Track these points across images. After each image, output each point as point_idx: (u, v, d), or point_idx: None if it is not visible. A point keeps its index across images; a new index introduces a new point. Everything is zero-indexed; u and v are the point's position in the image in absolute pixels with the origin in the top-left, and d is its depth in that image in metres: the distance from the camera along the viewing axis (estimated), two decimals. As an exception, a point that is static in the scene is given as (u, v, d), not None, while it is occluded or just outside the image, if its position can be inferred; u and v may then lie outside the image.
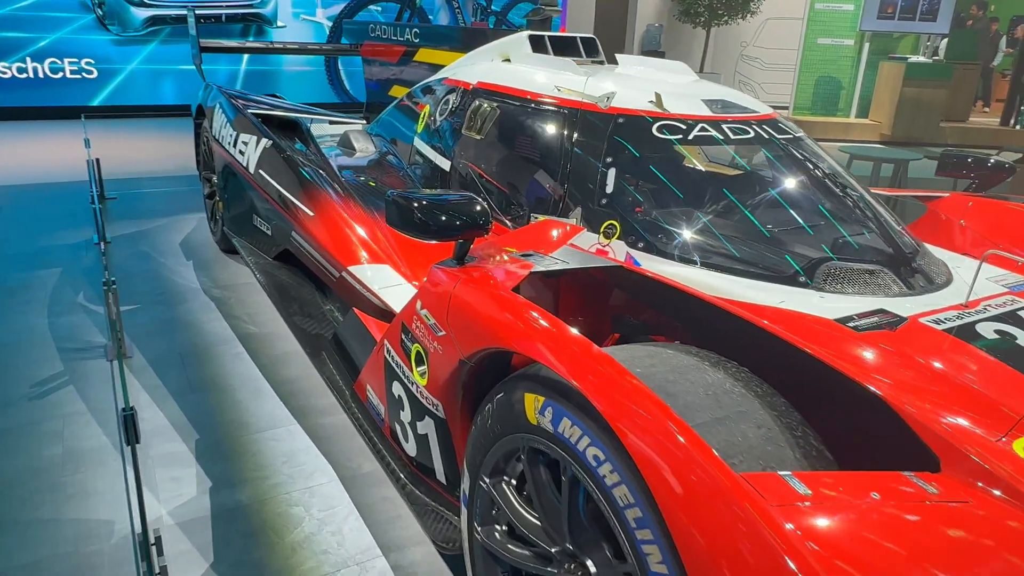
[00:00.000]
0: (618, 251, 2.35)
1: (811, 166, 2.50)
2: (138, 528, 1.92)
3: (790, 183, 2.43)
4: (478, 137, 3.09)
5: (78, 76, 9.49)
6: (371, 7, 10.62)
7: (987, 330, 1.84)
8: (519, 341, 1.48)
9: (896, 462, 1.42)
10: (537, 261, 1.87)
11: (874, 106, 11.58)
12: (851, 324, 1.84)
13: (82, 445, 2.74)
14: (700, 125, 2.50)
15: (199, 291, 4.22)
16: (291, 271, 3.76)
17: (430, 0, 11.05)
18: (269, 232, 3.78)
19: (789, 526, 1.01)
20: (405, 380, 2.06)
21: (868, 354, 1.65)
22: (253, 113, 4.10)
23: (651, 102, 2.59)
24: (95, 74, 9.57)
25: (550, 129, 2.79)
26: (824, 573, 0.95)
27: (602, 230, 2.42)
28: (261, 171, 3.64)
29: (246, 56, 10.11)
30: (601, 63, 3.48)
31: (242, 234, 4.21)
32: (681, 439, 1.15)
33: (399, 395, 2.13)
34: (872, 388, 1.41)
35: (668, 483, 1.13)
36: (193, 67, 5.54)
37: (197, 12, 5.25)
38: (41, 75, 9.31)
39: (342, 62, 10.62)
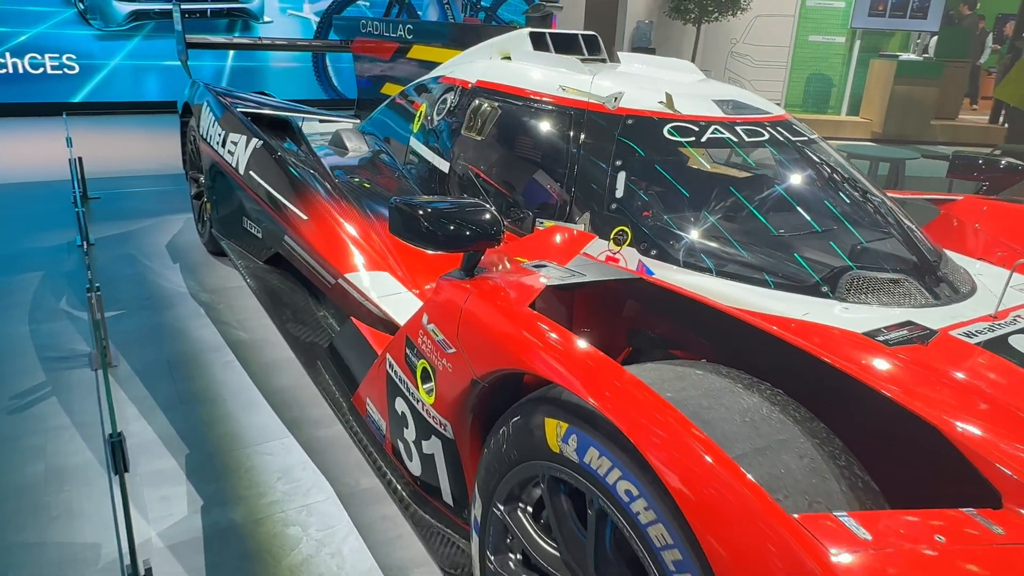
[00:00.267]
0: (629, 259, 2.25)
1: (828, 170, 2.41)
2: (127, 559, 1.80)
3: (808, 188, 2.34)
4: (478, 138, 2.98)
5: (59, 72, 9.28)
6: (359, 2, 10.46)
7: (1021, 343, 1.76)
8: (541, 364, 1.37)
9: (944, 490, 1.34)
10: (551, 273, 1.77)
11: (865, 104, 11.56)
12: (880, 338, 1.75)
13: (66, 462, 2.61)
14: (713, 127, 2.41)
15: (187, 296, 4.09)
16: (283, 276, 3.63)
17: (419, -5, 10.92)
18: (260, 235, 3.66)
19: (854, 578, 0.91)
20: (409, 397, 1.95)
21: (905, 372, 1.56)
22: (242, 112, 3.97)
23: (661, 103, 2.50)
24: (77, 70, 9.37)
25: (555, 130, 2.69)
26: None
27: (612, 236, 2.32)
28: (251, 172, 3.51)
29: (232, 52, 9.92)
30: (603, 61, 3.38)
31: (231, 237, 4.08)
32: (728, 477, 1.05)
33: (402, 412, 2.03)
34: (924, 416, 1.32)
35: (714, 526, 1.03)
36: (177, 63, 5.38)
37: (182, 7, 5.10)
38: (21, 71, 9.10)
39: (329, 58, 10.47)
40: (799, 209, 2.26)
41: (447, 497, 1.95)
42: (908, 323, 1.85)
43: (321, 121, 4.98)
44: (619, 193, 2.36)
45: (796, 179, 2.36)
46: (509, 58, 3.37)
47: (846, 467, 1.27)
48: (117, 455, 1.56)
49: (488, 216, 1.73)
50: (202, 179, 4.53)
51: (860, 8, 11.04)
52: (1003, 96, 9.97)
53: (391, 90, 4.92)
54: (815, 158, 2.45)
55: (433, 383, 1.80)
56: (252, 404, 3.05)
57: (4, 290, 4.03)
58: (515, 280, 1.70)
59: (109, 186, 6.17)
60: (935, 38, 12.04)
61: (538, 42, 3.28)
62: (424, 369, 1.84)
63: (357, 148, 4.19)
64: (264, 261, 3.75)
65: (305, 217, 3.02)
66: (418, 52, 4.59)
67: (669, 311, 1.80)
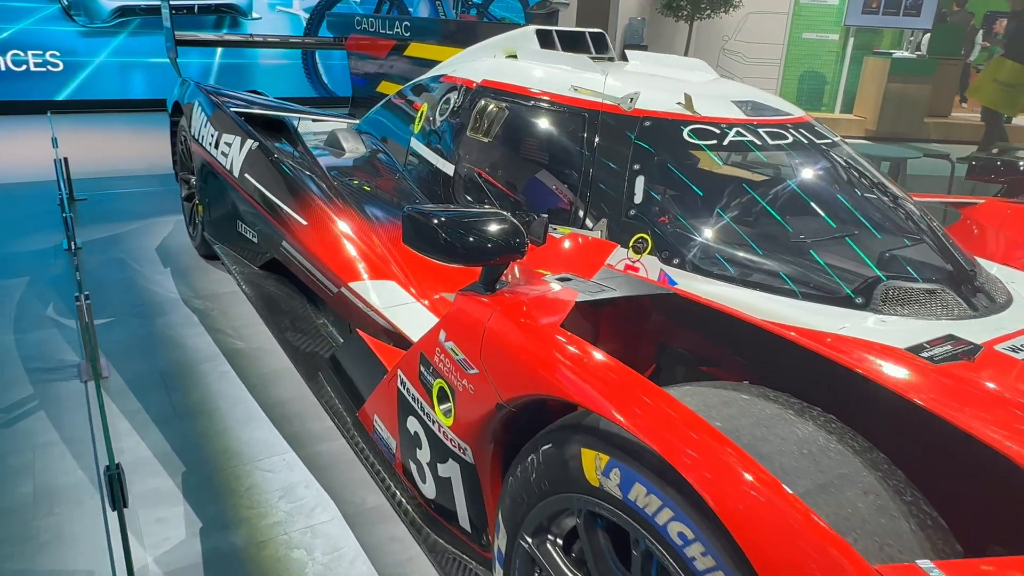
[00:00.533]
0: (650, 268, 2.15)
1: (856, 174, 2.32)
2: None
3: (836, 193, 2.25)
4: (485, 140, 2.87)
5: (43, 69, 9.07)
6: (349, -1, 10.31)
7: (1070, 358, 1.67)
8: (579, 392, 1.27)
9: (1012, 522, 1.24)
10: (580, 287, 1.66)
11: (858, 101, 11.52)
12: (924, 354, 1.66)
13: (56, 482, 2.49)
14: (735, 129, 2.31)
15: (179, 302, 3.95)
16: (280, 282, 3.51)
17: (410, -8, 10.77)
18: (255, 240, 3.53)
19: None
20: (424, 417, 1.85)
21: (958, 393, 1.47)
22: (236, 111, 3.83)
23: (679, 104, 2.39)
24: (61, 67, 9.16)
25: (567, 132, 2.59)
26: None
27: (631, 244, 2.22)
28: (247, 175, 3.39)
29: (220, 49, 9.75)
30: (611, 60, 3.27)
31: (224, 241, 3.95)
32: (801, 523, 0.96)
33: (415, 432, 1.92)
34: (994, 446, 1.22)
35: (788, 580, 0.93)
36: (164, 60, 5.23)
37: (169, 3, 4.94)
38: (3, 68, 8.88)
39: (320, 55, 10.30)
40: (828, 216, 2.16)
41: (464, 522, 1.85)
42: (950, 337, 1.77)
43: (314, 120, 4.85)
44: (638, 198, 2.26)
45: (823, 184, 2.27)
46: (514, 57, 3.26)
47: (913, 503, 1.17)
48: (116, 490, 1.45)
49: (512, 227, 1.62)
50: (193, 180, 4.39)
51: (854, 6, 10.99)
52: (975, 96, 9.94)
53: (387, 88, 4.80)
54: (841, 162, 2.36)
55: (451, 404, 1.69)
56: (250, 417, 2.93)
57: (-12, 297, 3.88)
58: (542, 296, 1.60)
59: (95, 187, 6.01)
60: (927, 36, 12.01)
61: (545, 40, 3.18)
62: (441, 389, 1.73)
63: (354, 149, 4.07)
64: (259, 266, 3.62)
65: (304, 222, 2.90)
66: (416, 50, 4.47)
67: (701, 326, 1.70)
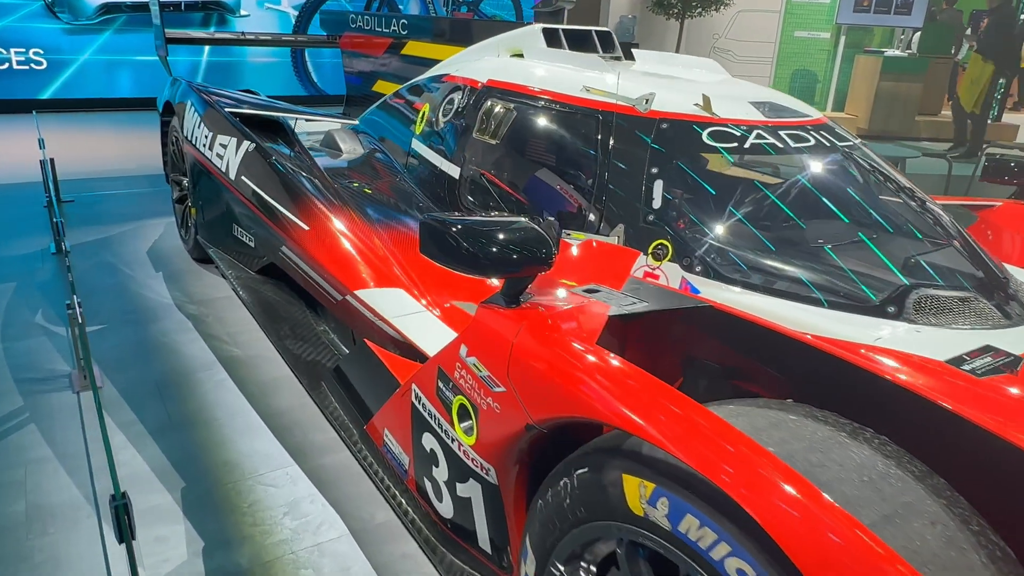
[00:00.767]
0: (671, 275, 2.08)
1: (881, 177, 2.26)
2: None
3: (861, 198, 2.18)
4: (492, 141, 2.79)
5: (26, 67, 8.89)
6: (339, -4, 10.18)
7: (1113, 370, 1.62)
8: (620, 415, 1.19)
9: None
10: (608, 299, 1.59)
11: (850, 99, 11.52)
12: (966, 367, 1.60)
13: (50, 500, 2.38)
14: (756, 131, 2.24)
15: (172, 307, 3.84)
16: (277, 287, 3.42)
17: (400, -11, 10.66)
18: (252, 244, 3.43)
19: None
20: (442, 435, 1.76)
21: (1006, 407, 1.41)
22: (231, 111, 3.73)
23: (697, 105, 2.32)
24: (44, 65, 8.98)
25: (579, 134, 2.51)
26: None
27: (651, 251, 2.14)
28: (243, 177, 3.29)
29: (207, 47, 9.59)
30: (618, 59, 3.20)
31: (219, 244, 3.85)
32: (877, 560, 0.88)
33: (431, 449, 1.84)
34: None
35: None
36: (151, 58, 5.10)
37: (158, 0, 4.82)
38: (-15, 66, 8.71)
39: (309, 53, 10.17)
40: (854, 221, 2.10)
41: (484, 543, 1.77)
42: (988, 348, 1.70)
43: (307, 120, 4.74)
44: (656, 203, 2.19)
45: (848, 188, 2.21)
46: (520, 56, 3.18)
47: (980, 533, 1.11)
48: (123, 522, 1.35)
49: (538, 237, 1.54)
50: (185, 182, 4.28)
51: (845, 4, 10.99)
52: (962, 99, 10.04)
53: (384, 88, 4.70)
54: (864, 164, 2.30)
55: (474, 423, 1.61)
56: (250, 428, 2.84)
57: (-26, 304, 3.76)
58: (573, 310, 1.52)
59: (82, 188, 5.87)
60: (917, 34, 12.04)
61: (551, 39, 3.10)
62: (462, 406, 1.65)
63: (352, 150, 3.97)
64: (256, 271, 3.52)
65: (306, 227, 2.81)
66: (413, 48, 4.37)
67: (734, 339, 1.63)
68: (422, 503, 2.01)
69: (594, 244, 2.16)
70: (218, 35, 6.35)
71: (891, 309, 1.85)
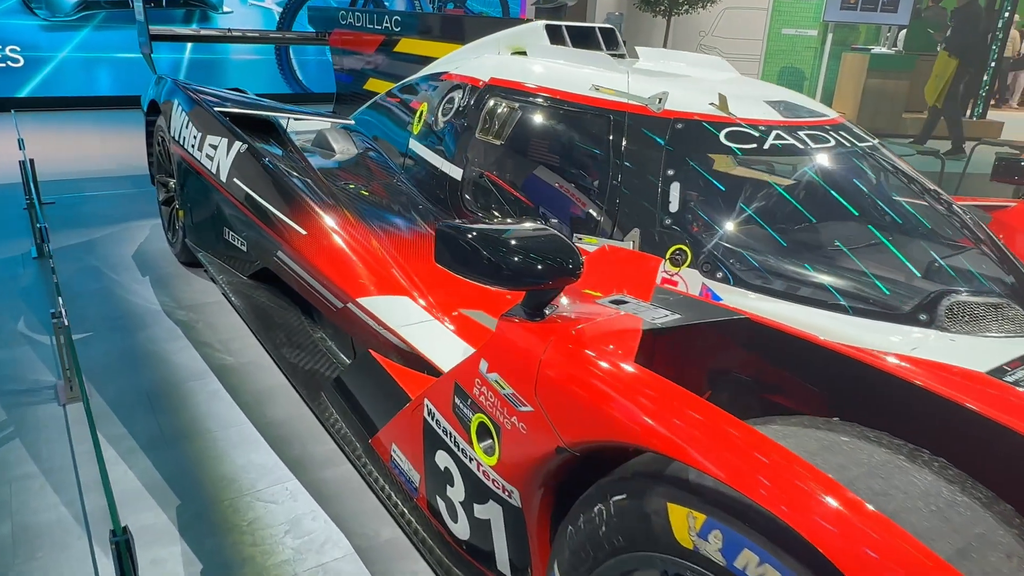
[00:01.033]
0: (690, 281, 2.00)
1: (905, 179, 2.19)
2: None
3: (887, 201, 2.11)
4: (496, 142, 2.69)
5: (2, 65, 8.67)
6: (324, -8, 10.02)
7: None
8: (666, 441, 1.11)
9: None
10: (638, 311, 1.50)
11: (837, 97, 11.53)
12: (1008, 378, 1.53)
13: (36, 520, 2.27)
14: (775, 132, 2.17)
15: (161, 313, 3.72)
16: (271, 292, 3.31)
17: (386, -15, 10.52)
18: (244, 248, 3.32)
19: None
20: (458, 453, 1.67)
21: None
22: (220, 111, 3.61)
23: (713, 105, 2.24)
24: (21, 63, 8.76)
25: (589, 135, 2.43)
26: None
27: (668, 256, 2.06)
28: (235, 179, 3.17)
29: (189, 44, 9.40)
30: (622, 56, 3.12)
31: (209, 248, 3.73)
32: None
33: (446, 468, 1.75)
34: None
35: None
36: (132, 55, 4.95)
37: (140, -4, 4.67)
38: (-41, 63, 8.48)
39: (294, 50, 10.01)
40: (880, 225, 2.03)
41: (503, 567, 1.68)
42: (1027, 357, 1.64)
43: (296, 119, 4.61)
44: (673, 207, 2.11)
45: (872, 191, 2.14)
46: (522, 53, 3.09)
47: (1055, 565, 1.04)
48: (124, 559, 1.25)
49: (565, 246, 1.45)
50: (172, 184, 4.15)
51: (832, 1, 10.98)
52: (925, 93, 10.18)
53: (376, 86, 4.59)
54: (887, 166, 2.23)
55: (495, 442, 1.52)
56: (246, 440, 2.73)
57: (-48, 311, 3.61)
58: (604, 324, 1.43)
59: (63, 189, 5.71)
60: (903, 32, 12.08)
61: (554, 36, 3.01)
62: (482, 424, 1.56)
63: (344, 150, 3.87)
64: (248, 276, 3.41)
65: (303, 232, 2.70)
66: (407, 46, 4.27)
67: (768, 351, 1.55)
68: (434, 522, 1.92)
69: (617, 251, 2.07)
70: (204, 32, 6.19)
71: (923, 317, 1.78)
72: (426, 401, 1.79)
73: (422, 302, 2.28)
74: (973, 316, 1.78)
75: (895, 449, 1.20)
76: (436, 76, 3.37)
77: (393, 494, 2.13)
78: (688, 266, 2.02)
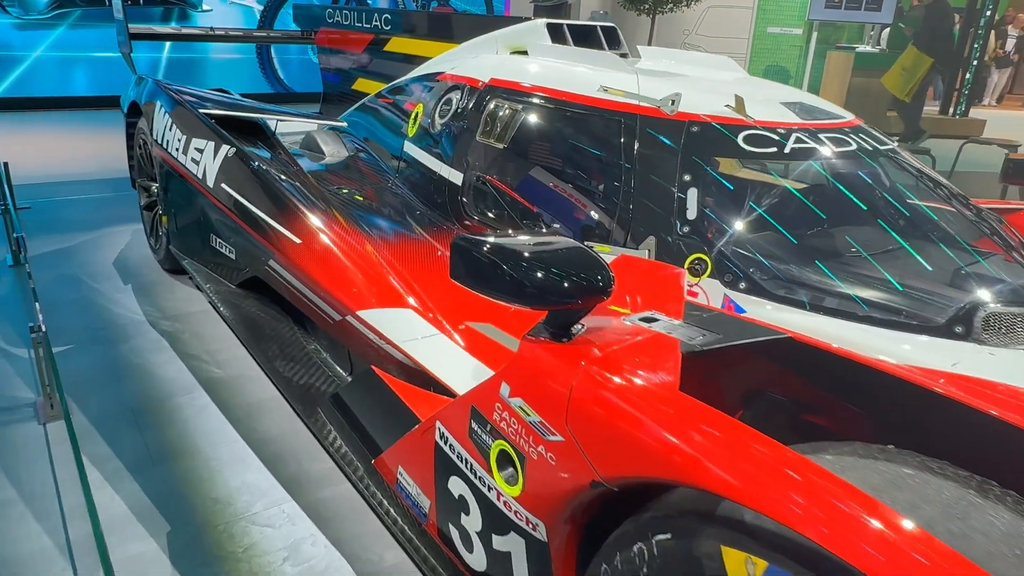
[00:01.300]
0: (711, 293, 1.91)
1: (930, 184, 2.11)
2: None
3: (915, 207, 2.03)
4: (499, 146, 2.59)
5: (-27, 64, 8.43)
6: (305, -10, 9.84)
7: None
8: (725, 483, 1.01)
9: None
10: (672, 330, 1.40)
11: (822, 95, 11.50)
12: (1057, 396, 1.44)
13: (17, 551, 2.13)
14: (795, 135, 2.08)
15: (144, 324, 3.57)
16: (261, 302, 3.18)
17: (369, -17, 10.37)
18: (233, 256, 3.19)
19: None
20: (475, 480, 1.57)
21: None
22: (206, 113, 3.46)
23: (729, 107, 2.15)
24: (-7, 62, 8.53)
25: (598, 138, 2.33)
26: None
27: (687, 266, 1.97)
28: (224, 185, 3.04)
29: (167, 43, 9.20)
30: (624, 56, 3.02)
31: (194, 255, 3.59)
32: None
33: (461, 495, 1.64)
34: None
35: None
36: (108, 54, 4.77)
37: (119, -6, 4.51)
38: (-71, 63, 8.23)
39: (275, 49, 9.83)
40: (910, 233, 1.95)
41: (523, 601, 1.58)
42: (1073, 373, 1.56)
43: (286, 121, 4.47)
44: (691, 214, 2.01)
45: (899, 196, 2.06)
46: (522, 53, 2.98)
47: None
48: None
49: (595, 261, 1.35)
50: (155, 188, 4.00)
51: (817, 0, 10.98)
52: (887, 85, 10.29)
53: (365, 86, 4.46)
54: (911, 170, 2.15)
55: (519, 472, 1.42)
56: (239, 459, 2.60)
57: (-77, 324, 3.45)
58: (640, 346, 1.33)
59: (39, 194, 5.52)
60: (887, 30, 12.13)
61: (555, 34, 2.90)
62: (503, 452, 1.46)
63: (335, 152, 3.74)
64: (236, 284, 3.28)
65: (297, 240, 2.58)
66: (398, 45, 4.15)
67: (808, 371, 1.46)
68: (445, 550, 1.81)
69: (641, 264, 1.96)
70: (186, 31, 6.02)
71: (959, 329, 1.70)
72: (438, 424, 1.68)
73: (427, 315, 2.16)
74: (1010, 327, 1.71)
75: (963, 482, 1.12)
76: (431, 76, 3.25)
77: (399, 518, 2.02)
78: (708, 276, 1.92)
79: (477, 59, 3.04)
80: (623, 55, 3.03)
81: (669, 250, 2.01)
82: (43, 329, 2.80)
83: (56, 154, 6.97)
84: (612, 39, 3.08)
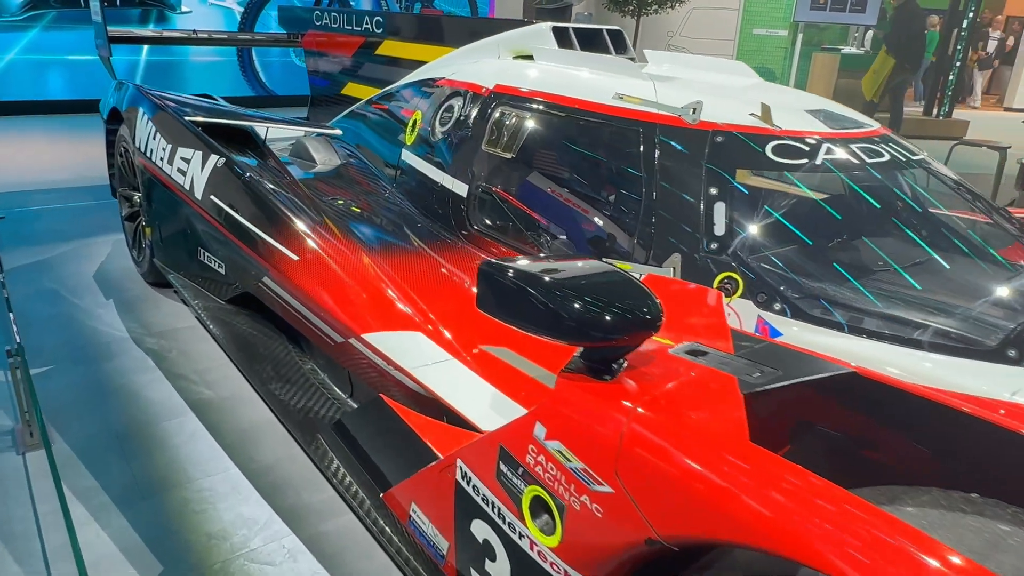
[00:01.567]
0: (744, 314, 1.79)
1: (969, 196, 2.02)
2: None
3: (956, 222, 1.93)
4: (507, 155, 2.46)
5: (-57, 68, 8.16)
6: (287, -8, 9.65)
7: None
8: (817, 555, 0.89)
9: None
10: (724, 365, 1.29)
11: (808, 97, 11.54)
12: None
13: (-3, 597, 1.98)
14: (826, 146, 1.97)
15: (128, 341, 3.40)
16: (252, 319, 3.03)
17: (351, -16, 10.20)
18: (223, 271, 3.03)
19: None
20: (503, 527, 1.44)
21: None
22: (192, 120, 3.30)
23: (754, 115, 2.04)
24: (-36, 65, 8.26)
25: (615, 148, 2.21)
26: None
27: (717, 285, 1.85)
28: (213, 197, 2.89)
29: (145, 46, 8.96)
30: (632, 60, 2.91)
31: (181, 269, 3.43)
32: None
33: (485, 540, 1.51)
34: None
35: None
36: (84, 57, 4.57)
37: (96, -4, 4.31)
38: None
39: (256, 52, 9.63)
40: (952, 249, 1.85)
41: (556, 655, 1.45)
42: None
43: (266, 127, 4.29)
44: (719, 230, 1.90)
45: (938, 211, 1.96)
46: (526, 57, 2.86)
47: None
48: None
49: (640, 290, 1.23)
50: (137, 197, 3.83)
51: (802, 1, 10.98)
52: (862, 86, 10.42)
53: (356, 91, 4.32)
54: (949, 182, 2.05)
55: (557, 522, 1.29)
56: (233, 489, 2.46)
57: None
58: (697, 386, 1.21)
59: (13, 203, 5.31)
60: (871, 32, 12.16)
61: (561, 38, 2.78)
62: (537, 499, 1.33)
63: (326, 160, 3.59)
64: (226, 300, 3.13)
65: (295, 257, 2.43)
66: (391, 48, 4.00)
67: (867, 405, 1.35)
68: (464, 595, 1.68)
69: (673, 284, 1.83)
70: (168, 33, 5.82)
71: (1011, 353, 1.60)
72: (460, 462, 1.55)
73: (437, 338, 2.03)
74: (1067, 351, 1.61)
75: (1067, 540, 1.01)
76: (429, 82, 3.12)
77: (412, 558, 1.88)
78: (740, 296, 1.81)
79: (478, 64, 2.91)
80: (631, 59, 2.92)
81: (696, 268, 1.89)
82: (21, 349, 2.64)
83: (31, 161, 6.74)
84: (618, 43, 2.97)
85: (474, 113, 2.67)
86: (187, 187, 3.07)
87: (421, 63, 3.56)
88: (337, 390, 2.59)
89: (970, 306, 1.71)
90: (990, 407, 1.35)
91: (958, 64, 11.92)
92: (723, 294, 1.73)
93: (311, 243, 2.43)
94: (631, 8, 11.98)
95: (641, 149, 2.10)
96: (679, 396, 1.18)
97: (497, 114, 2.54)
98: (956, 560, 0.86)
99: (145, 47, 8.95)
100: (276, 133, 4.13)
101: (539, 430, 1.30)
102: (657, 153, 2.07)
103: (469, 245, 2.57)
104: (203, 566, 2.12)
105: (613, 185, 2.19)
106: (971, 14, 12.00)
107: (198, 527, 2.27)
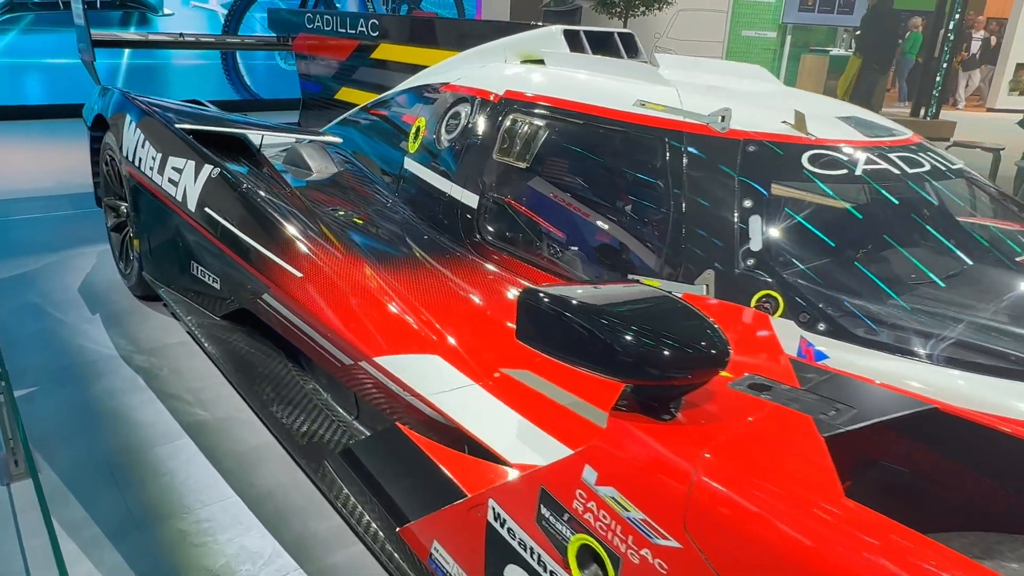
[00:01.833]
0: (784, 335, 1.68)
1: (1016, 207, 1.93)
2: None
3: (1008, 234, 1.84)
4: (521, 165, 2.35)
5: (-84, 72, 7.92)
6: (270, -7, 9.48)
7: None
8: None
9: None
10: (792, 402, 1.18)
11: (797, 99, 11.55)
12: None
13: (-18, 647, 1.83)
14: (866, 155, 1.88)
15: (117, 359, 3.25)
16: (250, 336, 2.89)
17: (337, -14, 10.04)
18: (217, 286, 2.89)
19: None
20: (542, 574, 1.32)
21: None
22: (183, 128, 3.16)
23: (786, 123, 1.94)
24: (-62, 69, 8.02)
25: (638, 158, 2.10)
26: None
27: (754, 304, 1.75)
28: (207, 209, 2.75)
29: (127, 49, 8.75)
30: (644, 63, 2.80)
31: (172, 283, 3.28)
32: None
33: (522, 587, 1.39)
34: None
35: None
36: (64, 61, 4.40)
37: (79, -1, 4.14)
38: None
39: (241, 55, 9.45)
40: (1000, 264, 1.75)
41: None
42: None
43: (263, 135, 4.14)
44: (755, 245, 1.79)
45: (983, 223, 1.87)
46: (535, 61, 2.74)
47: None
48: None
49: (703, 322, 1.12)
50: (124, 208, 3.67)
51: (791, 4, 10.99)
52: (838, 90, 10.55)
53: (351, 96, 4.19)
54: (992, 192, 1.96)
55: (610, 574, 1.17)
56: (234, 519, 2.32)
57: None
58: (767, 427, 1.10)
59: (-8, 212, 5.13)
60: (859, 33, 12.18)
61: (573, 42, 2.67)
62: (586, 547, 1.21)
63: (322, 169, 3.46)
64: (221, 316, 2.99)
65: (298, 274, 2.30)
66: (388, 52, 3.87)
67: (949, 445, 1.25)
68: (494, 643, 1.56)
69: (725, 308, 1.71)
70: (153, 37, 5.65)
71: (1078, 377, 1.50)
72: (492, 502, 1.43)
73: (456, 361, 1.91)
74: None
75: None
76: (432, 87, 3.00)
77: (432, 598, 1.76)
78: (780, 315, 1.71)
79: (486, 69, 2.80)
80: (643, 63, 2.81)
81: (731, 286, 1.79)
82: (4, 372, 2.49)
83: (9, 168, 6.54)
84: (630, 46, 2.86)
85: (483, 120, 2.55)
86: (179, 198, 2.92)
87: (420, 67, 3.44)
88: (342, 412, 2.46)
89: (1025, 325, 1.61)
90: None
91: (944, 65, 11.96)
92: (768, 314, 1.63)
93: (316, 258, 2.30)
94: (618, 10, 11.92)
95: (667, 159, 2.00)
96: (751, 440, 1.07)
97: (508, 122, 2.43)
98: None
99: (126, 52, 8.75)
100: (271, 140, 4.00)
101: (589, 474, 1.19)
102: (685, 163, 1.97)
103: (479, 258, 2.45)
104: (205, 606, 1.98)
105: (636, 197, 2.08)
106: (957, 15, 12.05)
107: (198, 562, 2.14)
